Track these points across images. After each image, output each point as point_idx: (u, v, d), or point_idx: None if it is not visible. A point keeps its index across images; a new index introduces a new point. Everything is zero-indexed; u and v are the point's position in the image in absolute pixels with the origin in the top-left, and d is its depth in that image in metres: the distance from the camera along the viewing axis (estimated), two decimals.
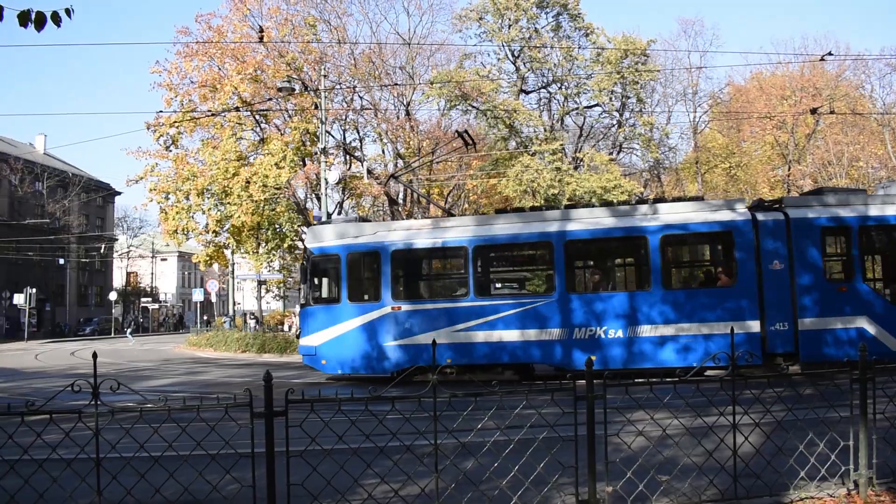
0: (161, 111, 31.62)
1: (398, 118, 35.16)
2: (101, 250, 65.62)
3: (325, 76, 29.06)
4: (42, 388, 16.99)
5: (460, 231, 16.76)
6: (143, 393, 5.34)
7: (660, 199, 18.87)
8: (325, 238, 17.38)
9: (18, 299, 48.93)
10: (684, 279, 16.72)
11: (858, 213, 15.24)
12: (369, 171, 31.31)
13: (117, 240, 74.19)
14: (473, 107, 35.13)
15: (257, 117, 32.90)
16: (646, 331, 15.35)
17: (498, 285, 17.17)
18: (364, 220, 20.26)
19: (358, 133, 37.40)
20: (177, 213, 31.79)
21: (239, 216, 29.89)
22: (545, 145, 33.91)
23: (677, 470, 5.70)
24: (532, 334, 15.88)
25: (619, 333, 15.45)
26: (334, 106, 33.43)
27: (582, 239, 16.26)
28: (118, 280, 75.20)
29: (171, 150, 32.86)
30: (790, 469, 5.68)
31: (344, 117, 35.70)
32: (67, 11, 4.38)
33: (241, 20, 32.23)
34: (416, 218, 27.64)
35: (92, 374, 4.53)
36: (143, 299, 73.31)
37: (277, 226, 32.27)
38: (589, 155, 35.38)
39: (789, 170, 39.54)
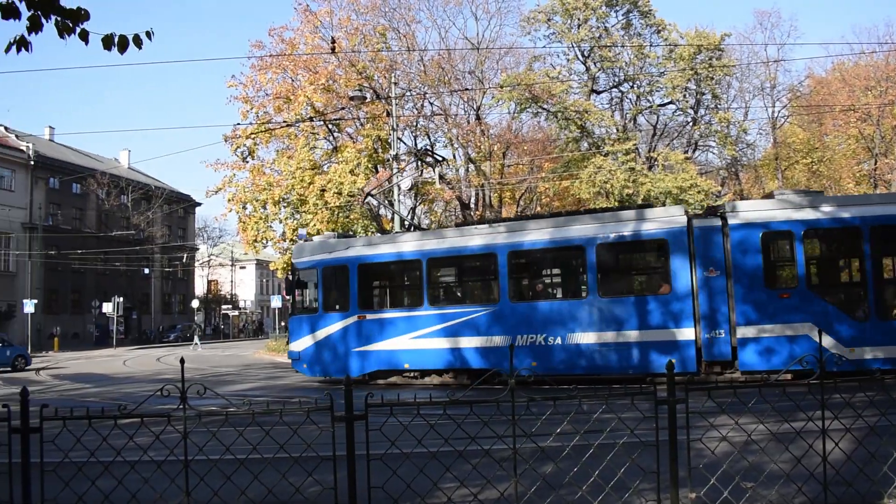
0: (238, 123, 32.64)
1: (468, 123, 35.23)
2: (184, 259, 67.95)
3: (395, 83, 29.35)
4: (132, 393, 17.67)
5: (416, 245, 17.73)
6: (228, 397, 5.47)
7: (607, 209, 19.39)
8: (307, 253, 18.95)
9: (107, 308, 50.90)
10: (618, 287, 16.45)
11: (804, 217, 14.61)
12: (441, 177, 31.46)
13: (198, 249, 76.63)
14: (544, 109, 34.93)
15: (330, 126, 33.48)
16: (580, 338, 15.75)
17: (449, 295, 17.96)
18: (345, 236, 21.43)
19: (429, 139, 37.68)
20: (255, 222, 32.62)
21: (314, 224, 30.43)
22: (618, 145, 33.45)
23: (763, 476, 5.52)
24: (476, 342, 16.57)
25: (558, 340, 15.90)
26: (405, 112, 33.75)
27: (525, 250, 16.84)
28: (200, 288, 77.65)
29: (247, 161, 33.80)
30: (884, 476, 5.41)
31: (415, 123, 36.02)
32: (148, 34, 4.53)
33: (313, 32, 32.89)
34: (488, 223, 27.60)
35: (177, 378, 4.67)
36: (223, 306, 75.45)
37: (352, 233, 32.78)
38: (663, 154, 34.71)
39: (876, 164, 37.89)
